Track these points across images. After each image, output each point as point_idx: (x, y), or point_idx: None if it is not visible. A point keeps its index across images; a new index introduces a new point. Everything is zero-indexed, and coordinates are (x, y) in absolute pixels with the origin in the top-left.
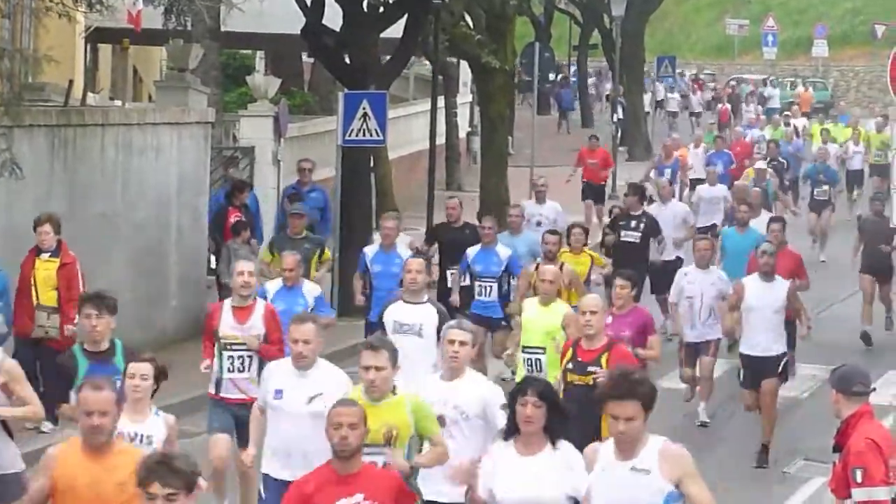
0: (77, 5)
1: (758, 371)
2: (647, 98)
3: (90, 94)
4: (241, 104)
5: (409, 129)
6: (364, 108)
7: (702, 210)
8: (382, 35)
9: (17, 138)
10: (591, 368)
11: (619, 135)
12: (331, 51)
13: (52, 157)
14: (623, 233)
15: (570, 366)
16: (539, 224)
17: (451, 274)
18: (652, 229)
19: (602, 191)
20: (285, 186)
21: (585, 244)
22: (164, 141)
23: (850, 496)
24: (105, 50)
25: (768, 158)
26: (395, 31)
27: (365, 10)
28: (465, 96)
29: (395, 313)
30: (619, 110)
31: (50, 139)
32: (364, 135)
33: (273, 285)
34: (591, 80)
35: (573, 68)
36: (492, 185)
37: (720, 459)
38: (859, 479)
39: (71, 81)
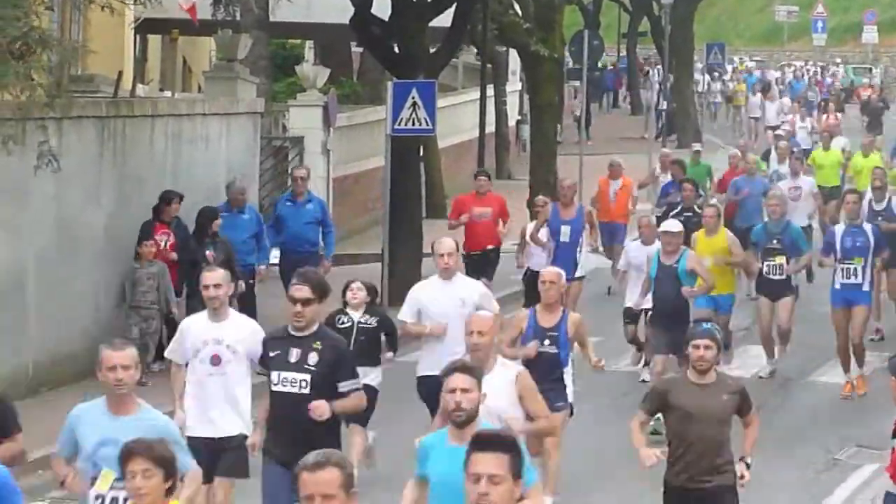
0: None
1: None
2: (772, 107)
3: (139, 85)
4: (291, 94)
5: (458, 118)
6: (413, 98)
7: (632, 280)
8: (431, 24)
9: (66, 129)
10: None
11: (663, 124)
12: (379, 40)
13: (101, 147)
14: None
15: None
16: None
17: None
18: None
19: (491, 260)
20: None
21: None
22: (213, 131)
23: None
24: (154, 41)
25: (679, 207)
26: (444, 20)
27: None
28: (513, 84)
29: None
30: (665, 99)
31: (99, 130)
32: (413, 124)
33: None
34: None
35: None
36: (541, 172)
37: (769, 447)
38: None
39: (120, 72)
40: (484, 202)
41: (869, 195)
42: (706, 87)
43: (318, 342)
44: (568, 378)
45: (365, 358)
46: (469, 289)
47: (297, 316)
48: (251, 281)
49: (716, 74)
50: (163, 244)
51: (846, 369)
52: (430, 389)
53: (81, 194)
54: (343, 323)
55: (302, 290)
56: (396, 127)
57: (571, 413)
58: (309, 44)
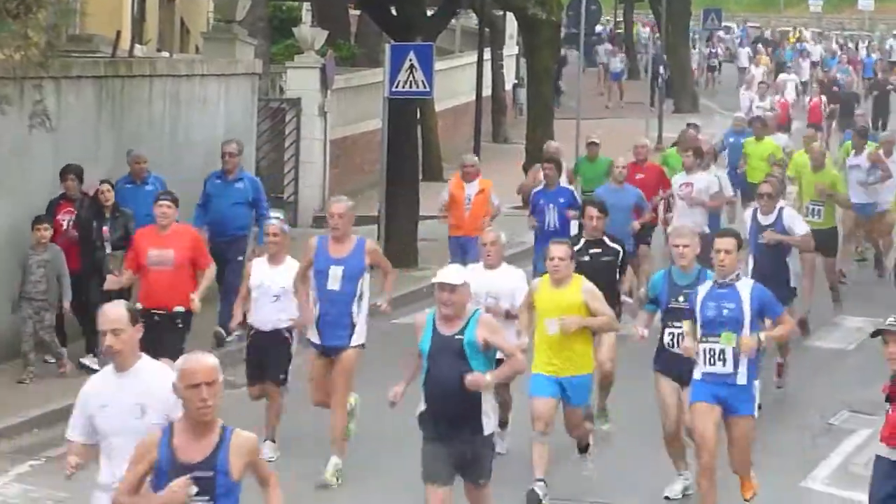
0: None
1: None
2: (746, 95)
3: (137, 46)
4: (288, 56)
5: (455, 82)
6: (411, 60)
7: None
8: None
9: (64, 89)
10: None
11: (660, 92)
12: (377, 2)
13: (99, 108)
14: None
15: None
16: None
17: None
18: None
19: (177, 329)
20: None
21: None
22: (211, 92)
23: None
24: (152, 1)
25: (582, 243)
26: None
27: None
28: (511, 48)
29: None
30: (662, 68)
31: (97, 90)
32: (411, 86)
33: None
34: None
35: None
36: (538, 137)
37: (764, 412)
38: None
39: (118, 33)
40: (166, 241)
41: (755, 205)
42: (749, 61)
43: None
44: None
45: None
46: (156, 383)
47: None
48: None
49: (759, 47)
50: (66, 224)
51: None
52: None
53: (79, 154)
54: None
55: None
56: (394, 89)
57: None
58: (306, 6)
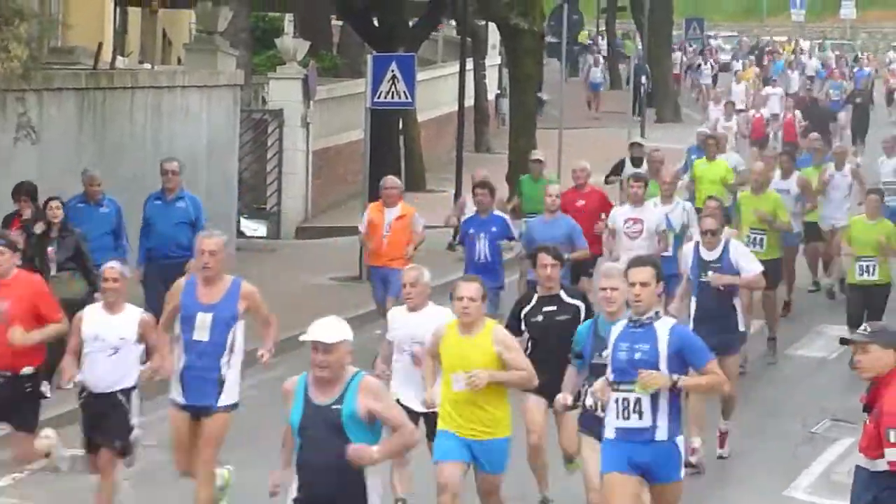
0: None
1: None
2: (714, 111)
3: (119, 58)
4: (270, 67)
5: (437, 92)
6: (393, 71)
7: (396, 369)
8: None
9: (46, 101)
10: None
11: (641, 102)
12: (360, 13)
13: (81, 119)
14: None
15: None
16: None
17: None
18: None
19: (19, 394)
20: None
21: None
22: (193, 103)
23: (881, 456)
24: (134, 13)
25: (533, 301)
26: None
27: None
28: (493, 58)
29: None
30: (643, 77)
31: (79, 102)
32: (393, 97)
33: None
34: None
35: None
36: (520, 146)
37: (747, 420)
38: (893, 440)
39: (100, 44)
40: (0, 291)
41: (696, 238)
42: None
43: None
44: None
45: None
46: None
47: None
48: None
49: (750, 59)
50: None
51: None
52: None
53: (62, 166)
54: None
55: None
56: (376, 100)
57: None
58: (288, 16)
